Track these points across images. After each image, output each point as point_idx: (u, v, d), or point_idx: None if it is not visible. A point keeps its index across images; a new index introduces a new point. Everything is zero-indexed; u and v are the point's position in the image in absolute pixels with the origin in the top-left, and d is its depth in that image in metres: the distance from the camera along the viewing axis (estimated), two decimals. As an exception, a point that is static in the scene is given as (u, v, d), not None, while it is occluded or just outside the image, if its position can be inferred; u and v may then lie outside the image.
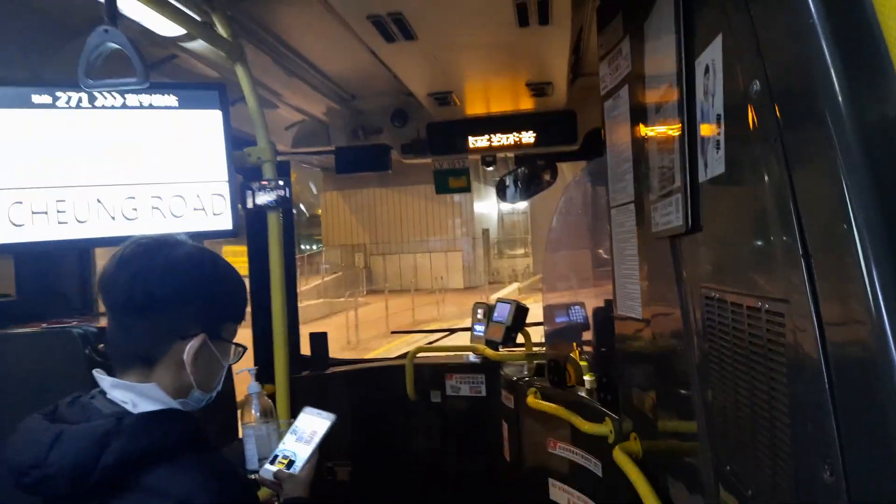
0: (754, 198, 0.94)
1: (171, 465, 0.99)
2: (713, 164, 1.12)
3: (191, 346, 1.09)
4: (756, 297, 0.94)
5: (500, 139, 2.90)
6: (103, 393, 1.08)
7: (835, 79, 0.70)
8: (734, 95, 1.01)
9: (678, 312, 1.44)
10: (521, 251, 32.65)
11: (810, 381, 0.75)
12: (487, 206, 32.15)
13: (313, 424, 1.46)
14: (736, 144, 1.02)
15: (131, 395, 1.05)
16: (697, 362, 1.30)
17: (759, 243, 0.95)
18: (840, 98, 0.69)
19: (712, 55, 1.11)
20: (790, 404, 0.84)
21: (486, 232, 31.79)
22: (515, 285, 24.28)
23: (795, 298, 0.80)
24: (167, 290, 1.07)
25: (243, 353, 1.23)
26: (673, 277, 1.46)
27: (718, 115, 1.09)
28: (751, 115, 0.92)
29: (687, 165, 1.27)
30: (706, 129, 1.16)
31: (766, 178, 0.87)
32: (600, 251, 2.85)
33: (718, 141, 1.09)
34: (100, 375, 1.09)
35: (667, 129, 1.40)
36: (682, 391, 1.49)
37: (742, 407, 1.04)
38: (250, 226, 2.91)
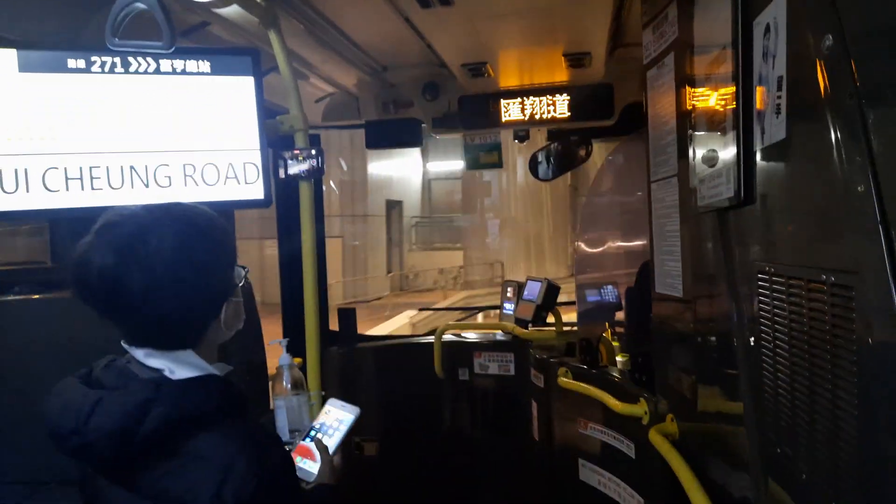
0: (822, 163, 0.88)
1: (213, 431, 0.98)
2: (772, 130, 1.06)
3: (225, 315, 1.09)
4: (819, 270, 0.88)
5: (533, 113, 2.82)
6: (141, 365, 1.05)
7: None
8: (800, 55, 0.94)
9: (725, 290, 1.38)
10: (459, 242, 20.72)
11: (885, 360, 0.70)
12: (401, 166, 20.15)
13: (339, 416, 1.45)
14: (800, 108, 0.95)
15: (167, 362, 1.04)
16: (746, 342, 1.24)
17: (825, 213, 0.89)
18: None
19: (774, 13, 1.03)
20: (859, 388, 0.78)
21: (395, 206, 20.37)
22: (407, 315, 10.30)
23: (867, 270, 0.74)
24: (211, 258, 1.05)
25: (246, 273, 1.18)
26: (721, 253, 1.39)
27: (780, 78, 1.02)
28: (821, 75, 0.86)
29: (741, 133, 1.20)
30: (764, 94, 1.09)
31: (838, 140, 0.81)
32: (631, 231, 2.78)
33: (779, 105, 1.02)
34: (132, 348, 1.05)
35: (718, 97, 1.33)
36: (727, 372, 1.43)
37: (799, 388, 0.98)
38: (279, 197, 2.89)
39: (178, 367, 1.04)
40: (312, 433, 1.44)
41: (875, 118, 0.73)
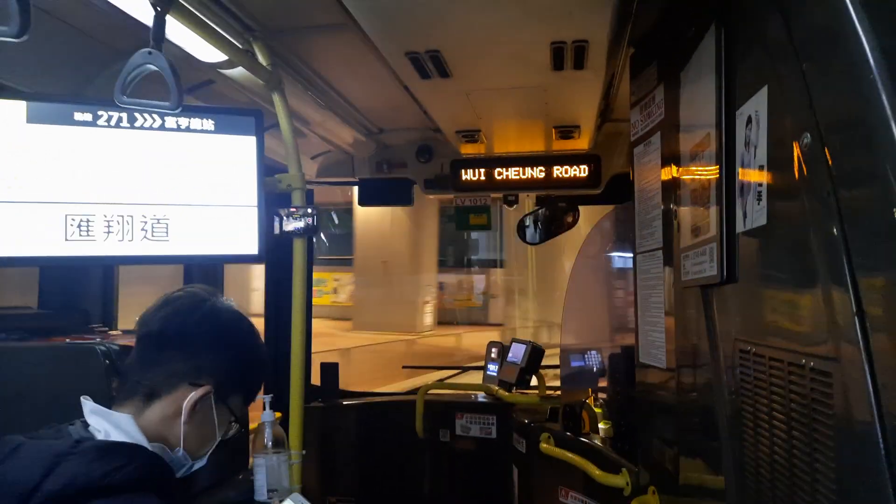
0: (801, 251, 0.93)
1: (117, 501, 0.91)
2: (754, 216, 1.11)
3: (195, 394, 1.07)
4: (799, 354, 0.91)
5: (522, 179, 2.90)
6: (85, 424, 1.03)
7: (895, 135, 0.69)
8: (780, 147, 1.01)
9: (708, 364, 1.41)
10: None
11: (863, 445, 0.72)
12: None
13: None
14: (780, 197, 1.01)
15: (105, 424, 1.01)
16: (728, 417, 1.26)
17: (805, 298, 0.93)
18: None
19: (756, 106, 1.10)
20: (837, 468, 0.80)
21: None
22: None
23: (846, 358, 0.77)
24: (200, 332, 1.10)
25: (238, 434, 1.19)
26: (703, 328, 1.43)
27: (761, 166, 1.08)
28: (799, 168, 0.91)
29: (724, 215, 1.26)
30: (746, 180, 1.15)
31: (816, 231, 0.86)
32: (620, 297, 2.83)
33: (760, 192, 1.08)
34: (85, 400, 1.05)
35: (702, 178, 1.40)
36: (710, 446, 1.44)
37: (779, 467, 1.00)
38: (270, 252, 2.91)
39: (113, 430, 1.01)
40: None
41: (850, 212, 0.78)
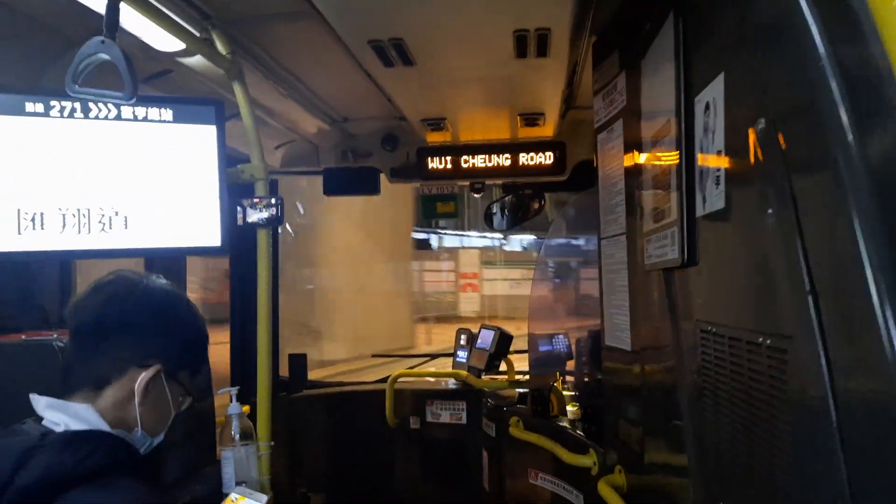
0: (757, 233, 0.96)
1: (93, 486, 0.95)
2: (712, 200, 1.14)
3: (145, 375, 1.09)
4: (757, 333, 0.94)
5: (489, 167, 2.92)
6: (38, 420, 1.05)
7: (843, 117, 0.71)
8: (737, 133, 1.03)
9: (670, 345, 1.45)
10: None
11: (817, 421, 0.76)
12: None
13: None
14: (737, 181, 1.04)
15: (64, 417, 1.03)
16: (690, 396, 1.30)
17: (761, 279, 0.96)
18: (850, 137, 0.70)
19: (713, 93, 1.13)
20: (793, 443, 0.84)
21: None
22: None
23: (800, 336, 0.81)
24: (141, 316, 1.11)
25: (190, 405, 1.23)
26: (666, 310, 1.46)
27: (719, 152, 1.11)
28: (754, 153, 0.94)
29: (684, 200, 1.29)
30: (705, 165, 1.18)
31: (771, 214, 0.88)
32: (584, 283, 2.87)
33: (718, 177, 1.11)
34: (35, 397, 1.06)
35: (663, 164, 1.42)
36: (672, 425, 1.49)
37: (739, 444, 1.04)
38: (233, 243, 2.88)
39: (73, 422, 1.02)
40: None
41: (803, 195, 0.81)
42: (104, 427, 1.04)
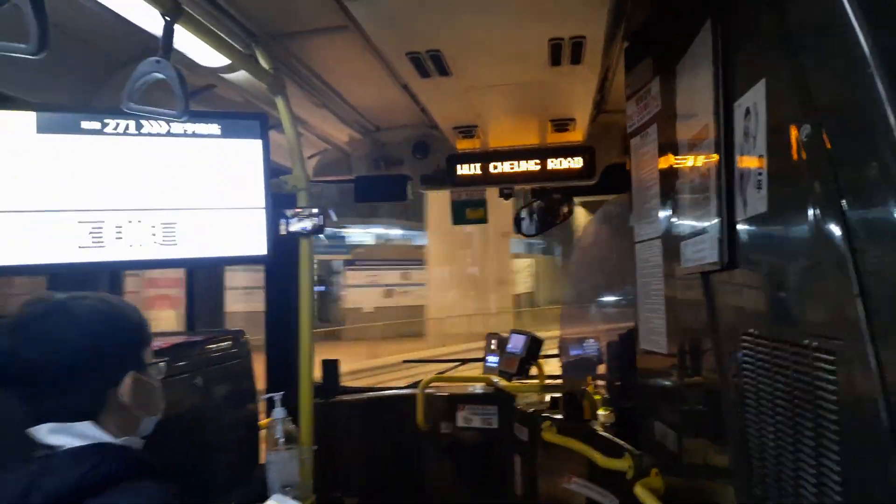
0: (801, 236, 0.97)
1: (115, 491, 0.97)
2: (754, 203, 1.16)
3: (124, 388, 1.11)
4: (802, 335, 0.95)
5: (518, 172, 2.94)
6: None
7: (891, 117, 0.73)
8: (779, 137, 1.05)
9: (710, 348, 1.46)
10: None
11: (868, 424, 0.76)
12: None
13: None
14: (780, 184, 1.05)
15: (68, 438, 1.04)
16: (732, 399, 1.31)
17: (806, 281, 0.97)
18: None
19: (754, 98, 1.15)
20: (842, 446, 0.85)
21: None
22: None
23: (849, 338, 0.82)
24: (85, 351, 1.08)
25: (165, 368, 1.25)
26: (705, 313, 1.48)
27: (760, 156, 1.12)
28: (799, 157, 0.96)
29: (724, 202, 1.30)
30: (746, 169, 1.20)
31: (816, 217, 0.90)
32: (617, 286, 2.88)
33: (760, 180, 1.13)
34: (36, 427, 1.06)
35: (700, 167, 1.44)
36: (712, 427, 1.49)
37: (783, 445, 1.05)
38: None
39: (78, 441, 1.04)
40: None
41: (850, 197, 0.82)
42: (105, 438, 1.06)
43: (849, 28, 0.80)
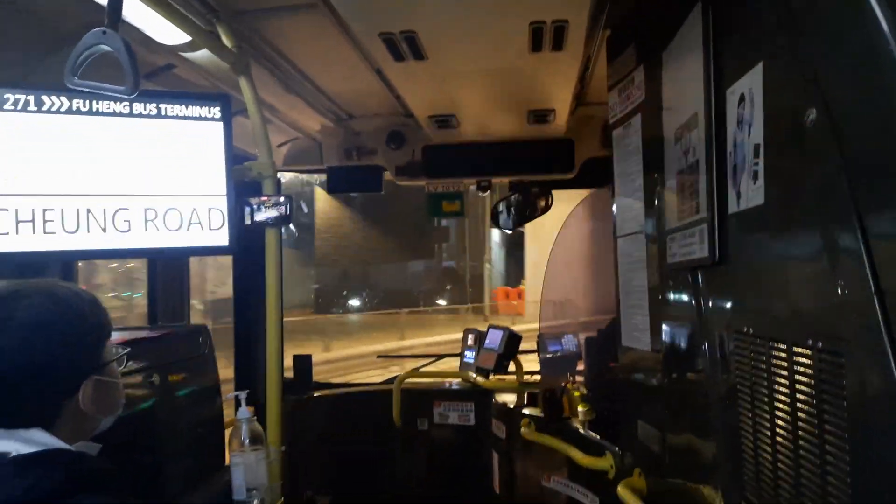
0: (806, 230, 0.91)
1: None
2: (749, 195, 1.09)
3: (84, 396, 1.02)
4: (805, 335, 0.89)
5: (496, 164, 2.87)
6: None
7: None
8: (779, 124, 0.98)
9: (696, 345, 1.40)
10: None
11: (881, 427, 0.71)
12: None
13: None
14: (781, 175, 0.99)
15: (14, 444, 0.95)
16: (721, 399, 1.25)
17: (809, 278, 0.91)
18: None
19: (750, 83, 1.08)
20: (851, 450, 0.79)
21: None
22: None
23: (861, 339, 0.76)
24: (28, 367, 0.97)
25: (126, 360, 1.16)
26: (692, 309, 1.42)
27: (756, 146, 1.06)
28: (804, 145, 0.89)
29: (715, 196, 1.24)
30: (740, 160, 1.13)
31: (824, 209, 0.83)
32: (596, 281, 2.83)
33: (756, 172, 1.06)
34: None
35: (688, 159, 1.37)
36: (698, 427, 1.44)
37: (782, 448, 0.99)
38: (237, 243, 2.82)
39: (25, 447, 0.94)
40: None
41: (863, 186, 0.76)
42: (58, 445, 0.96)
43: (865, 5, 0.73)
